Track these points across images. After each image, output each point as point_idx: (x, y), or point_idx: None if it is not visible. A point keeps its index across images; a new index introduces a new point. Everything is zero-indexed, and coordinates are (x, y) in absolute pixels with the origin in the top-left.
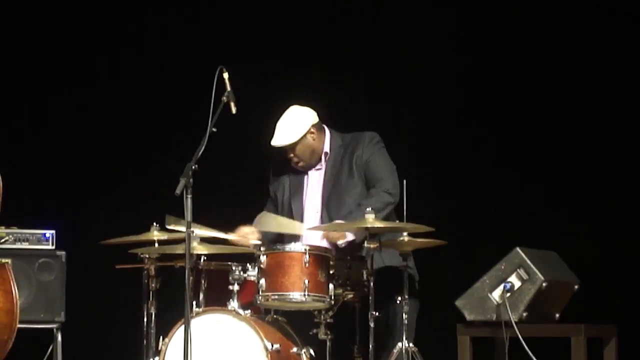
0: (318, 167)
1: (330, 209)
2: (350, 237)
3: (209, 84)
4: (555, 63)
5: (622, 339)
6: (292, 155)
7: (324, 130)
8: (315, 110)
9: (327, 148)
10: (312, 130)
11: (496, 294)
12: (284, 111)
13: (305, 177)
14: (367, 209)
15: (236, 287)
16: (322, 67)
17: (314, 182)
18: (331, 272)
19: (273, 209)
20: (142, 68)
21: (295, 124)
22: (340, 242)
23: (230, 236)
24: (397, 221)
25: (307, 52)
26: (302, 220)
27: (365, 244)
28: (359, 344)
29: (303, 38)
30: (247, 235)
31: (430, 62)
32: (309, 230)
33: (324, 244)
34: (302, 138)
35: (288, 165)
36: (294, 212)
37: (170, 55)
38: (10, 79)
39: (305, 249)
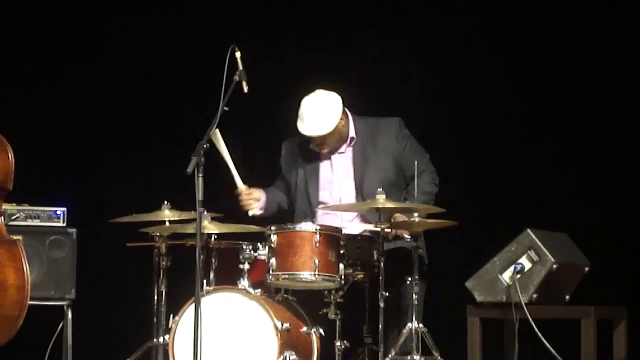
0: (341, 150)
1: (364, 192)
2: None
3: (221, 62)
4: (558, 49)
5: (632, 321)
6: (320, 142)
7: (347, 114)
8: (327, 90)
9: (352, 133)
10: (342, 117)
11: (506, 276)
12: (297, 91)
13: (327, 162)
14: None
15: (246, 266)
16: (332, 47)
17: (339, 167)
18: (341, 252)
19: (283, 187)
20: (154, 45)
21: (327, 113)
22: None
23: (240, 182)
24: (408, 202)
25: (318, 30)
26: (317, 205)
27: (376, 225)
28: (368, 323)
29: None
30: (252, 197)
31: (442, 44)
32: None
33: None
34: (335, 127)
35: (301, 147)
36: (311, 196)
37: (183, 32)
38: (21, 51)
39: (316, 229)
